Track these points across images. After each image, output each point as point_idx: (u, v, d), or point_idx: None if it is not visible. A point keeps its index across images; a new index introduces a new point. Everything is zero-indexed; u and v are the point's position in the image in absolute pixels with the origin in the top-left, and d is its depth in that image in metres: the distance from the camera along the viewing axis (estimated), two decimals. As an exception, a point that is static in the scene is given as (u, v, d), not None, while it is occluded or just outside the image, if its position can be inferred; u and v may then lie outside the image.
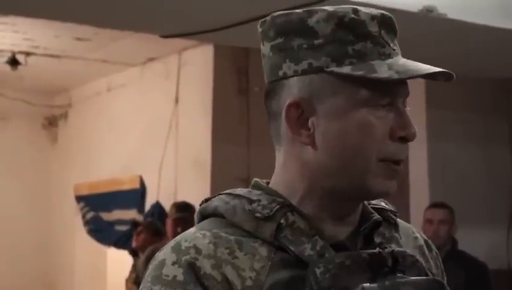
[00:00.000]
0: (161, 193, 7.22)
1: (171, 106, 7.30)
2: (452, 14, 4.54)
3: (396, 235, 1.36)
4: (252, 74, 6.87)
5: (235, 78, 6.94)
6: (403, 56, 1.33)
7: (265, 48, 1.35)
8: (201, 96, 6.97)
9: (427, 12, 4.45)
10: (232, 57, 6.90)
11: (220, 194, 1.35)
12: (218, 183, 6.56)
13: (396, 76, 1.25)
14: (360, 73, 1.25)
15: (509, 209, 6.35)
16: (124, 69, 8.07)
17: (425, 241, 1.48)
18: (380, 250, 1.26)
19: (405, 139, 1.29)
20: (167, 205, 6.42)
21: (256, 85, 6.80)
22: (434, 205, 5.39)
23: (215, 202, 1.33)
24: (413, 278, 1.25)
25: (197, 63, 7.10)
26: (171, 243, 1.28)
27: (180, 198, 6.45)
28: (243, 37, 4.93)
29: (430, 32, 4.80)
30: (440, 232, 5.13)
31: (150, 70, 7.82)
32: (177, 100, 7.27)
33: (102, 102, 8.64)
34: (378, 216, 1.35)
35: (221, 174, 6.63)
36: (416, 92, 5.88)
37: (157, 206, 7.13)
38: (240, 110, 6.88)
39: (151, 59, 7.70)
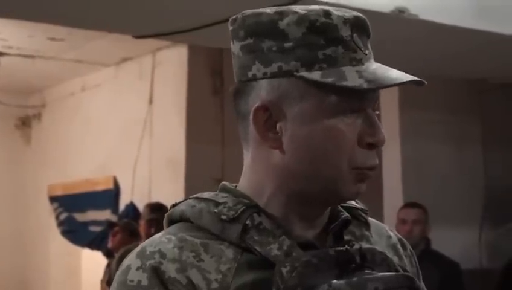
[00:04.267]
0: (135, 193, 7.20)
1: (145, 106, 7.28)
2: (424, 15, 4.56)
3: (367, 233, 1.35)
4: (227, 75, 6.85)
5: (210, 78, 6.93)
6: (376, 57, 1.30)
7: (235, 47, 1.32)
8: (175, 96, 6.95)
9: (399, 13, 4.46)
10: (207, 57, 6.88)
11: (188, 198, 1.33)
12: (192, 184, 6.55)
13: (365, 85, 1.21)
14: (329, 80, 1.22)
15: (482, 210, 6.39)
16: (98, 69, 8.04)
17: (400, 239, 1.46)
18: (348, 247, 1.24)
19: (373, 146, 1.26)
20: (141, 206, 6.40)
21: (231, 85, 6.77)
22: (408, 205, 5.41)
23: (182, 207, 1.32)
24: (381, 274, 1.23)
25: (171, 63, 7.09)
26: (137, 249, 1.27)
27: (154, 198, 6.43)
28: (217, 37, 4.91)
29: (402, 33, 4.81)
30: (414, 232, 5.15)
31: (124, 71, 7.79)
32: (151, 100, 7.25)
33: (77, 102, 8.59)
34: (347, 214, 1.34)
35: (196, 175, 6.62)
36: (390, 93, 5.90)
37: (131, 207, 7.10)
38: (214, 111, 6.87)
39: (125, 59, 7.68)
